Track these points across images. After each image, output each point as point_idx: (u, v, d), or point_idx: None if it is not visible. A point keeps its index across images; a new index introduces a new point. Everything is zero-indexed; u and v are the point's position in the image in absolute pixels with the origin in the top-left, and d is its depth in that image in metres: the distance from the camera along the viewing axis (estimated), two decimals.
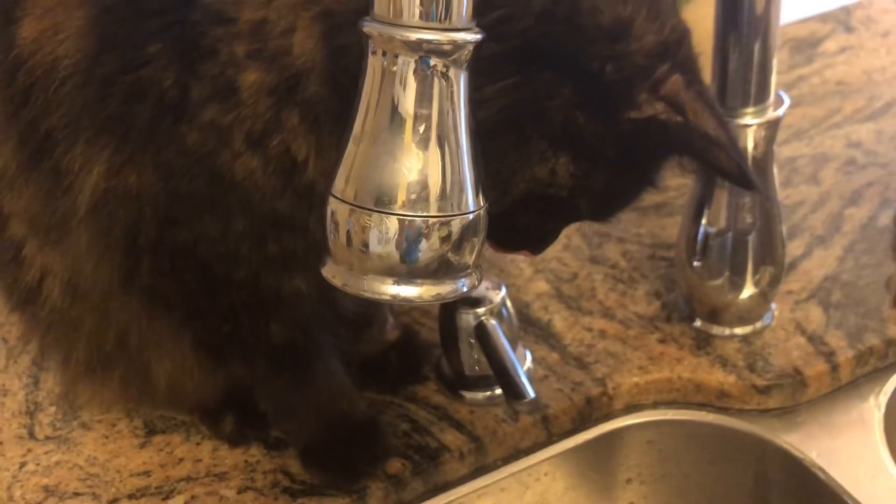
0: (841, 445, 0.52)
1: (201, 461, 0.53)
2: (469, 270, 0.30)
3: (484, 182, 0.29)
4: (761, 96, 0.49)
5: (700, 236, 0.55)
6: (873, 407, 0.54)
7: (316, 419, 0.51)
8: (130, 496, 0.52)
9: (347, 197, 0.28)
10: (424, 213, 0.28)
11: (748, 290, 0.55)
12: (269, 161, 0.40)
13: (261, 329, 0.46)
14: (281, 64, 0.38)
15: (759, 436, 0.53)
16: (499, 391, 0.54)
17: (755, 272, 0.55)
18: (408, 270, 0.28)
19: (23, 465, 0.54)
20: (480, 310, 0.52)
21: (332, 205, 0.29)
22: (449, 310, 0.53)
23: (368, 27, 0.27)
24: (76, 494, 0.52)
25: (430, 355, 0.56)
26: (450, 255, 0.29)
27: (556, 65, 0.35)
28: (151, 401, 0.53)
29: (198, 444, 0.54)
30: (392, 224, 0.28)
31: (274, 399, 0.51)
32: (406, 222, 0.28)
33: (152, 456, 0.54)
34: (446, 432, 0.53)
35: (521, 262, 0.64)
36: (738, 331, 0.57)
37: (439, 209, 0.28)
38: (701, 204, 0.55)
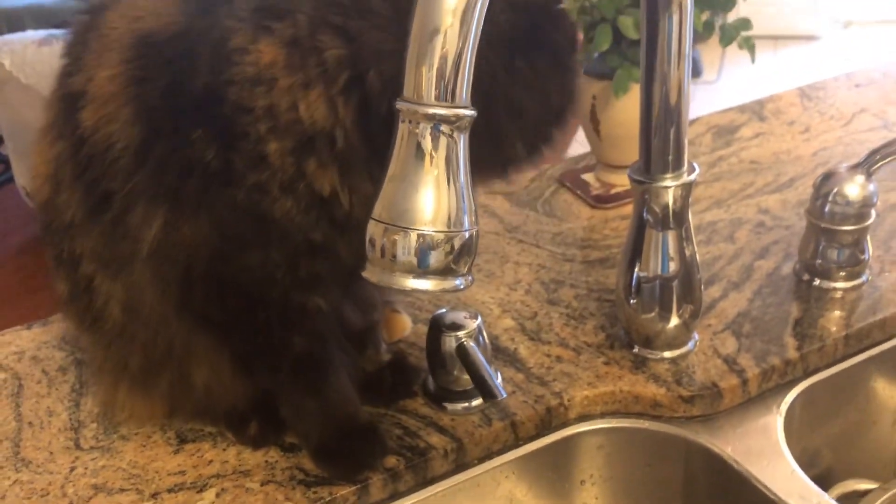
0: (751, 444, 0.64)
1: (228, 462, 0.63)
2: (465, 274, 0.42)
3: (476, 209, 0.42)
4: (678, 165, 0.63)
5: (634, 281, 0.68)
6: (776, 414, 0.66)
7: (327, 421, 0.61)
8: (169, 490, 0.61)
9: (383, 218, 0.41)
10: (435, 230, 0.40)
11: (674, 322, 0.68)
12: (300, 200, 0.52)
13: (286, 341, 0.58)
14: (293, 130, 0.51)
15: (686, 438, 0.65)
16: (475, 403, 0.66)
17: (679, 308, 0.68)
18: (422, 271, 0.41)
19: (72, 468, 0.64)
20: (461, 333, 0.64)
21: (371, 226, 0.41)
22: (435, 334, 0.65)
23: (400, 104, 0.40)
24: (122, 490, 0.62)
25: (418, 375, 0.68)
26: (451, 261, 0.41)
27: None
28: (189, 406, 0.63)
29: (224, 449, 0.64)
30: (412, 238, 0.40)
31: (293, 403, 0.61)
32: (422, 237, 0.40)
33: (185, 459, 0.64)
34: (433, 436, 0.64)
35: (491, 303, 0.77)
36: (667, 354, 0.69)
37: (445, 227, 0.40)
38: (634, 255, 0.68)
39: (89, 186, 0.56)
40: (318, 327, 0.58)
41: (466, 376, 0.65)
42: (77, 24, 0.60)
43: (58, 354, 0.77)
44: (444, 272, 0.41)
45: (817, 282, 0.76)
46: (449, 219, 0.40)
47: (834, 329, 0.71)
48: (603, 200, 0.92)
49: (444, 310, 0.67)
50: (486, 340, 0.65)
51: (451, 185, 0.40)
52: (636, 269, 0.67)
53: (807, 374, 0.69)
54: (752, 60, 0.87)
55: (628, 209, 0.90)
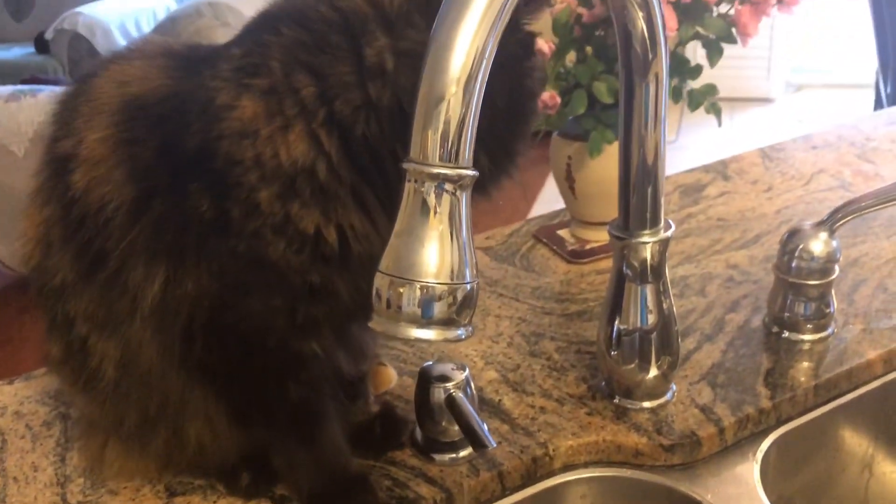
0: (730, 491, 0.66)
1: None
2: (466, 325, 0.44)
3: (476, 262, 0.44)
4: (655, 222, 0.66)
5: (615, 333, 0.70)
6: (752, 462, 0.69)
7: (319, 471, 0.62)
8: None
9: (389, 271, 0.43)
10: (439, 282, 0.43)
11: (653, 373, 0.71)
12: (292, 242, 0.54)
13: (282, 389, 0.59)
14: (277, 175, 0.53)
15: (668, 485, 0.67)
16: (463, 453, 0.67)
17: (657, 360, 0.71)
18: (426, 321, 0.43)
19: None
20: (450, 385, 0.66)
21: (378, 278, 0.43)
22: (424, 386, 0.66)
23: (407, 165, 0.43)
24: None
25: (406, 426, 0.69)
26: (454, 312, 0.43)
27: None
28: (181, 461, 0.64)
29: (214, 501, 0.64)
30: (417, 290, 0.43)
31: (286, 453, 0.62)
32: (426, 289, 0.42)
33: None
34: (422, 486, 0.65)
35: (474, 355, 0.79)
36: (647, 404, 0.71)
37: (449, 280, 0.43)
38: (614, 310, 0.70)
39: (81, 247, 0.58)
40: (314, 375, 0.60)
41: (454, 427, 0.66)
42: (64, 94, 0.62)
43: (41, 409, 0.77)
44: (447, 323, 0.43)
45: (786, 334, 0.79)
46: (452, 272, 0.43)
47: (803, 379, 0.74)
48: (578, 255, 0.95)
49: (430, 362, 0.69)
50: (474, 391, 0.67)
51: (454, 240, 0.43)
52: (616, 323, 0.70)
53: (780, 423, 0.72)
54: (719, 124, 0.91)
55: (603, 264, 0.94)
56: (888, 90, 2.90)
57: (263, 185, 0.53)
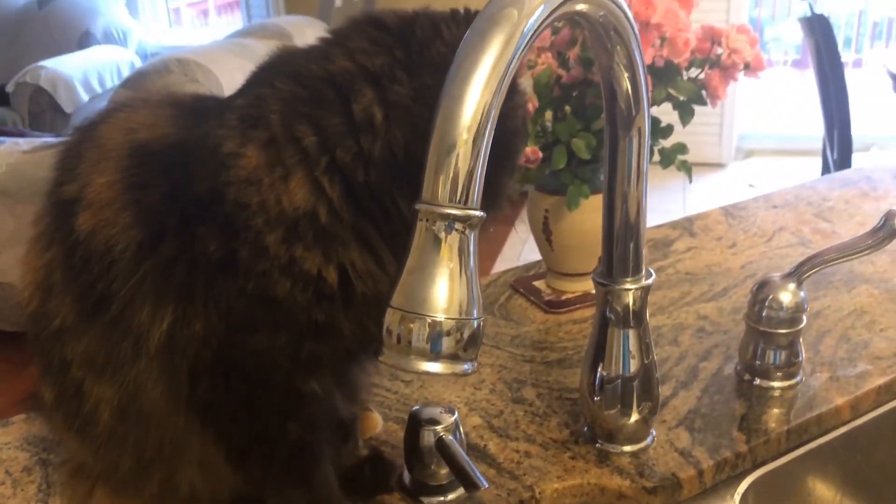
0: None
1: None
2: (472, 359, 0.46)
3: (481, 299, 0.46)
4: (637, 271, 0.69)
5: (598, 380, 0.73)
6: (729, 502, 0.71)
7: None
8: None
9: (400, 306, 0.45)
10: (447, 317, 0.44)
11: (634, 418, 0.73)
12: (297, 281, 0.56)
13: (282, 427, 0.60)
14: (281, 220, 0.55)
15: None
16: (451, 496, 0.68)
17: (639, 405, 0.73)
18: (435, 355, 0.45)
19: None
20: (439, 427, 0.67)
21: (389, 313, 0.45)
22: (414, 429, 0.67)
23: (419, 205, 0.45)
24: None
25: (395, 470, 0.70)
26: (461, 347, 0.45)
27: None
28: None
29: None
30: (426, 325, 0.45)
31: (281, 494, 0.62)
32: (436, 324, 0.44)
33: None
34: None
35: (457, 402, 0.81)
36: (628, 448, 0.73)
37: (457, 315, 0.45)
38: (597, 356, 0.73)
39: (84, 289, 0.58)
40: (313, 415, 0.61)
41: (443, 470, 0.67)
42: (66, 142, 0.64)
43: (21, 455, 0.76)
44: (454, 357, 0.45)
45: (757, 381, 0.82)
46: (460, 307, 0.45)
47: (775, 424, 0.77)
48: (555, 306, 0.98)
49: (418, 406, 0.70)
50: (462, 434, 0.69)
51: (463, 276, 0.45)
52: (600, 369, 0.72)
53: (755, 466, 0.75)
54: (690, 180, 0.96)
55: (579, 314, 0.97)
56: (835, 156, 3.03)
57: (269, 228, 0.55)
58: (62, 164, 0.61)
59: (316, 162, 0.56)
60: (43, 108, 4.26)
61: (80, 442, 0.63)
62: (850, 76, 3.05)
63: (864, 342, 0.89)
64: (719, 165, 4.48)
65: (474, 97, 0.45)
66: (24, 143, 2.94)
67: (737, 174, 4.42)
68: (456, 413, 0.69)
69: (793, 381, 0.82)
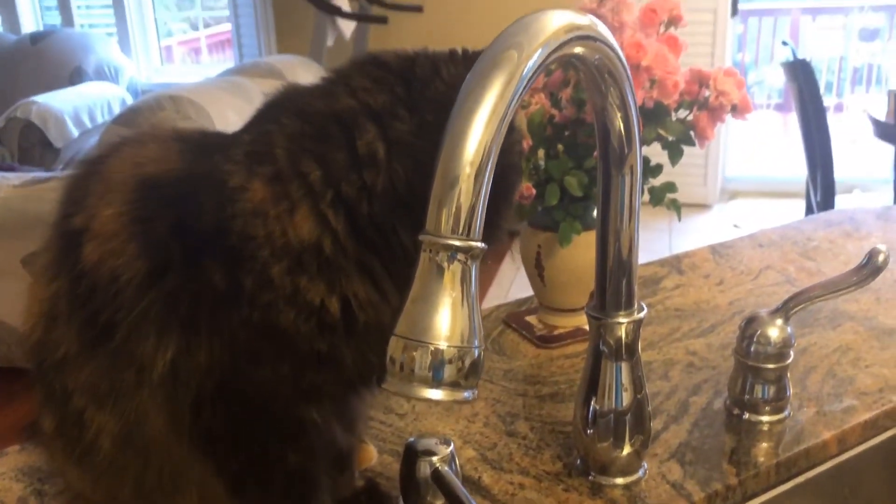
0: None
1: None
2: (472, 387, 0.47)
3: (482, 328, 0.48)
4: (629, 305, 0.71)
5: (591, 414, 0.74)
6: None
7: None
8: None
9: (404, 334, 0.46)
10: (450, 345, 0.46)
11: (626, 450, 0.74)
12: (300, 311, 0.57)
13: (282, 456, 0.60)
14: (286, 252, 0.57)
15: None
16: None
17: (631, 438, 0.74)
18: (437, 382, 0.46)
19: None
20: (435, 458, 0.68)
21: (393, 342, 0.46)
22: (410, 460, 0.68)
23: (423, 237, 0.47)
24: None
25: (391, 501, 0.70)
26: (463, 374, 0.46)
27: None
28: None
29: None
30: (428, 353, 0.46)
31: None
32: (439, 351, 0.46)
33: None
34: None
35: (451, 434, 0.81)
36: (621, 481, 0.74)
37: (459, 343, 0.46)
38: (590, 389, 0.74)
39: (89, 318, 0.59)
40: (312, 444, 0.61)
41: (439, 501, 0.68)
42: (75, 174, 0.65)
43: (16, 486, 0.76)
44: (455, 385, 0.46)
45: (746, 415, 0.83)
46: (462, 336, 0.46)
47: (764, 458, 0.78)
48: (547, 341, 0.99)
49: (413, 438, 0.71)
50: (458, 466, 0.69)
51: (465, 306, 0.46)
52: (593, 402, 0.73)
53: (745, 499, 0.76)
54: (679, 219, 0.98)
55: (571, 349, 0.98)
56: (818, 198, 3.09)
57: (274, 260, 0.57)
58: (69, 196, 0.63)
59: (321, 195, 0.58)
60: (33, 143, 4.27)
61: (80, 471, 0.63)
62: (832, 120, 3.11)
63: (850, 378, 0.90)
64: (705, 206, 4.54)
65: (476, 135, 0.47)
66: (14, 178, 2.95)
67: (722, 215, 4.48)
68: (452, 444, 0.69)
69: (781, 416, 0.83)
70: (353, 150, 0.58)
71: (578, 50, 0.55)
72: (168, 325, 0.58)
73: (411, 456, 0.68)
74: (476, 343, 0.47)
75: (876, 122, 3.11)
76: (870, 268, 0.78)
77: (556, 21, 0.52)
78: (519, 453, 0.79)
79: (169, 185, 0.60)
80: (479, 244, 0.47)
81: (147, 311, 0.58)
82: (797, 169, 5.18)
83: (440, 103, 0.58)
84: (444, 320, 0.46)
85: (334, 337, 0.59)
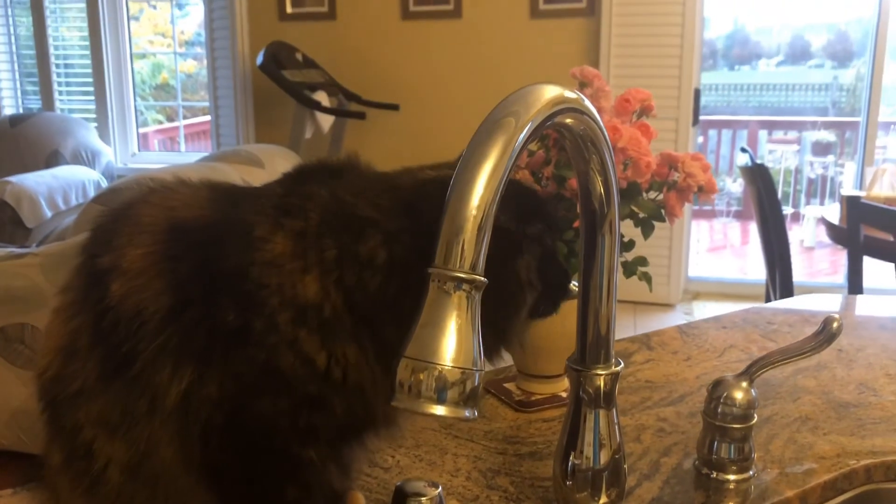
0: None
1: None
2: (472, 406, 0.52)
3: (482, 350, 0.53)
4: (607, 359, 0.76)
5: (570, 468, 0.78)
6: None
7: None
8: None
9: (413, 355, 0.51)
10: (454, 366, 0.51)
11: (602, 500, 0.78)
12: (298, 356, 0.62)
13: (280, 489, 0.64)
14: (294, 304, 0.62)
15: None
16: None
17: (607, 490, 0.78)
18: (442, 400, 0.51)
19: None
20: (424, 499, 0.71)
21: (402, 362, 0.51)
22: (400, 500, 0.72)
23: (432, 270, 0.52)
24: None
25: None
26: (466, 394, 0.51)
27: None
28: None
29: None
30: (434, 374, 0.51)
31: None
32: (445, 371, 0.51)
33: None
34: None
35: None
36: None
37: (463, 365, 0.51)
38: (571, 440, 0.78)
39: (110, 350, 0.63)
40: (309, 480, 0.65)
41: None
42: (102, 220, 0.70)
43: None
44: (458, 403, 0.51)
45: (714, 474, 0.88)
46: (466, 357, 0.51)
47: None
48: (525, 405, 1.03)
49: (401, 483, 0.74)
50: None
51: (468, 330, 0.52)
52: (571, 459, 0.78)
53: None
54: (650, 289, 1.05)
55: (548, 413, 1.02)
56: (777, 298, 3.20)
57: (283, 308, 0.62)
58: (96, 238, 0.68)
59: (329, 272, 0.63)
60: (4, 222, 4.28)
61: (88, 503, 0.66)
62: (790, 229, 3.26)
63: (810, 444, 0.96)
64: (668, 305, 4.65)
65: (480, 189, 0.54)
66: None
67: (684, 314, 4.58)
68: (440, 487, 0.73)
69: (746, 475, 0.88)
70: (358, 249, 0.65)
71: (566, 120, 0.63)
72: (184, 356, 0.62)
73: (401, 497, 0.72)
74: (478, 365, 0.52)
75: (830, 226, 3.27)
76: (825, 334, 0.85)
77: (548, 94, 0.60)
78: None
79: (198, 230, 0.65)
80: (481, 278, 0.53)
81: (166, 344, 0.62)
82: (757, 272, 5.35)
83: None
84: (451, 343, 0.51)
85: (324, 385, 0.64)
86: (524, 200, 0.72)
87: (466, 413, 0.52)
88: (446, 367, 0.51)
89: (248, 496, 0.64)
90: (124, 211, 0.68)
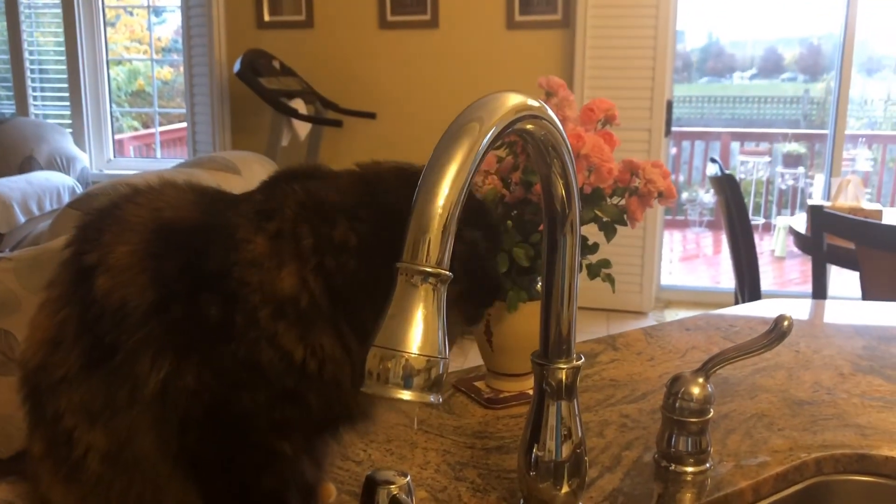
0: None
1: None
2: (437, 392, 0.56)
3: (449, 340, 0.56)
4: (568, 354, 0.80)
5: (533, 459, 0.82)
6: None
7: None
8: None
9: (381, 344, 0.54)
10: (420, 353, 0.54)
11: (564, 490, 0.82)
12: (277, 351, 0.65)
13: (256, 479, 0.67)
14: (274, 299, 0.65)
15: None
16: None
17: (569, 480, 0.82)
18: (409, 385, 0.54)
19: None
20: (394, 487, 0.75)
21: (371, 351, 0.55)
22: (370, 488, 0.75)
23: (400, 265, 0.56)
24: None
25: None
26: (432, 380, 0.55)
27: None
28: None
29: None
30: (400, 362, 0.54)
31: None
32: (411, 359, 0.54)
33: None
34: None
35: None
36: None
37: (429, 353, 0.54)
38: (534, 432, 0.82)
39: (95, 340, 0.66)
40: (284, 471, 0.68)
41: None
42: (88, 218, 0.73)
43: None
44: (424, 388, 0.55)
45: (672, 466, 0.92)
46: (432, 346, 0.55)
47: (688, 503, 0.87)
48: (494, 402, 1.07)
49: (371, 472, 0.77)
50: (414, 494, 0.76)
51: (434, 321, 0.55)
52: (534, 452, 0.81)
53: None
54: (613, 290, 1.09)
55: (516, 410, 1.06)
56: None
57: (263, 304, 0.65)
58: (83, 236, 0.70)
59: (307, 260, 0.67)
60: None
61: (66, 491, 0.68)
62: (761, 239, 3.33)
63: (765, 439, 1.00)
64: (640, 313, 4.71)
65: (447, 183, 0.57)
66: None
67: (656, 322, 4.65)
68: (409, 476, 0.76)
69: (703, 467, 0.92)
70: (334, 235, 0.68)
71: (528, 126, 0.67)
72: (164, 348, 0.65)
73: (371, 486, 0.75)
74: (444, 354, 0.56)
75: (797, 235, 3.34)
76: (777, 332, 0.89)
77: (511, 101, 0.64)
78: (467, 495, 0.86)
79: (183, 232, 0.68)
80: (446, 272, 0.56)
81: (148, 336, 0.65)
82: (728, 281, 5.43)
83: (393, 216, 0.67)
84: (417, 332, 0.55)
85: (301, 379, 0.67)
86: (468, 206, 0.74)
87: (431, 398, 0.55)
88: (412, 355, 0.54)
89: (225, 486, 0.67)
90: (111, 210, 0.71)
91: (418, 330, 0.55)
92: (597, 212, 1.01)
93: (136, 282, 0.66)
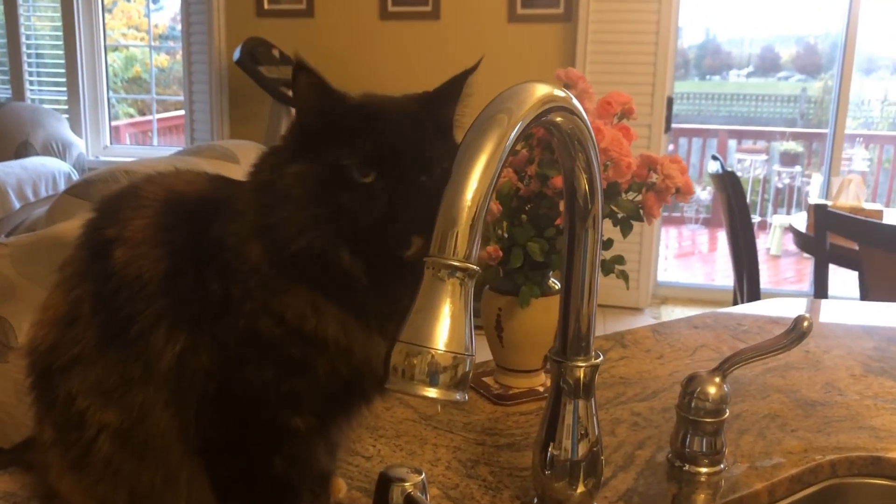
0: None
1: None
2: (463, 389, 0.54)
3: (474, 334, 0.55)
4: (587, 352, 0.79)
5: (549, 458, 0.80)
6: None
7: None
8: None
9: (408, 340, 0.53)
10: (447, 350, 0.53)
11: (580, 490, 0.80)
12: (272, 318, 0.64)
13: (268, 461, 0.65)
14: (254, 268, 0.64)
15: None
16: None
17: (584, 479, 0.81)
18: (434, 383, 0.52)
19: None
20: (408, 484, 0.73)
21: (397, 346, 0.53)
22: (384, 486, 0.73)
23: (428, 259, 0.54)
24: None
25: None
26: (458, 377, 0.53)
27: None
28: None
29: None
30: (426, 358, 0.52)
31: None
32: (438, 355, 0.52)
33: None
34: None
35: None
36: None
37: (456, 349, 0.53)
38: (550, 431, 0.81)
39: (111, 314, 0.65)
40: (295, 452, 0.67)
41: None
42: (106, 197, 0.72)
43: None
44: (450, 386, 0.53)
45: (686, 467, 0.91)
46: (458, 343, 0.53)
47: None
48: (503, 399, 1.05)
49: (385, 469, 0.76)
50: (428, 492, 0.75)
51: (461, 318, 0.54)
52: (550, 450, 0.80)
53: None
54: (627, 287, 1.07)
55: (526, 407, 1.05)
56: (744, 303, 3.25)
57: (251, 274, 0.64)
58: (101, 212, 0.70)
59: (263, 233, 0.65)
60: None
61: (76, 477, 0.67)
62: (757, 237, 3.32)
63: (778, 440, 0.99)
64: (636, 310, 4.70)
65: (476, 177, 0.56)
66: None
67: (652, 318, 4.64)
68: (423, 473, 0.75)
69: (717, 468, 0.91)
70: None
71: (556, 118, 0.65)
72: (178, 322, 0.64)
73: (385, 483, 0.73)
74: (471, 351, 0.54)
75: (798, 234, 3.34)
76: (796, 332, 0.88)
77: (539, 92, 0.62)
78: (480, 492, 0.84)
79: (192, 202, 0.68)
80: (475, 266, 0.55)
81: (162, 308, 0.64)
82: (724, 279, 5.43)
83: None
84: (444, 329, 0.53)
85: (303, 344, 0.64)
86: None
87: (457, 396, 0.54)
88: (439, 352, 0.53)
89: (236, 472, 0.66)
90: (129, 189, 0.71)
91: (445, 325, 0.53)
92: (613, 207, 1.00)
93: (152, 254, 0.65)
